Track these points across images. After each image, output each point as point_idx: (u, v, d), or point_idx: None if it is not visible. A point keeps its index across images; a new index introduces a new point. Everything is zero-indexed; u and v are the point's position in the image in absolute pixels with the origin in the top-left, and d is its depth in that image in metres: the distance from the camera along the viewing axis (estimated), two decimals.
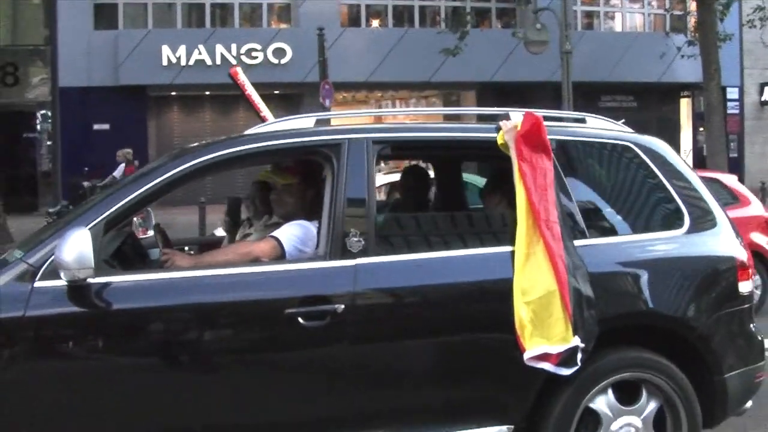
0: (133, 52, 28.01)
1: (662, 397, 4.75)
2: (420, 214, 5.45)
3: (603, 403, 4.66)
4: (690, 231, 4.93)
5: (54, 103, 28.34)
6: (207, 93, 30.04)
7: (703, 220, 5.00)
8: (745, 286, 5.00)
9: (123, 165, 21.36)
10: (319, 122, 4.86)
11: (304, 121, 4.89)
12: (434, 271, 4.55)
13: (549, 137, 4.71)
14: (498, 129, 4.70)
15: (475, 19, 24.17)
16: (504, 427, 4.51)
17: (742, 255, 5.04)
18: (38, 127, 29.95)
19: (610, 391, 4.69)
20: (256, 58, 28.71)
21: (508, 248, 4.53)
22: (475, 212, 5.41)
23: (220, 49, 28.51)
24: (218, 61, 28.41)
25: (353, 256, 4.38)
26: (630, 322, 4.83)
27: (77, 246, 3.93)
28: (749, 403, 5.16)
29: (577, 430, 4.63)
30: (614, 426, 4.66)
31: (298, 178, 5.12)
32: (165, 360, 4.26)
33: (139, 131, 28.80)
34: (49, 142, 29.15)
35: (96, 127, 28.35)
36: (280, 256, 4.67)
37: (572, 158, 4.96)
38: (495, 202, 5.29)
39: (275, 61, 28.80)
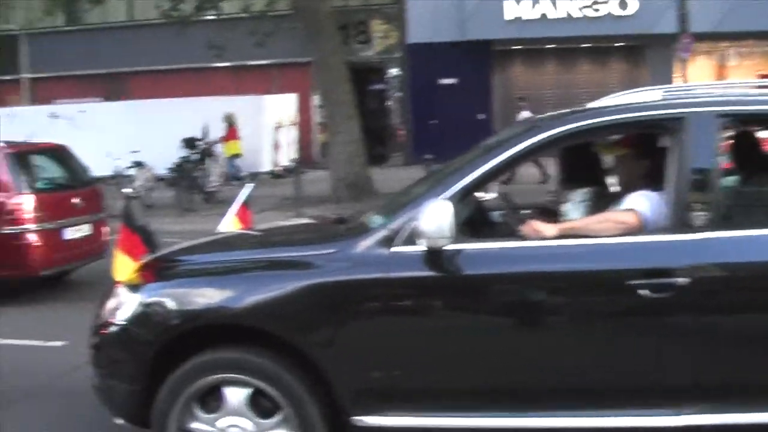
0: (477, 8, 28.39)
1: None
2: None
3: None
4: None
5: (403, 59, 29.80)
6: (549, 46, 30.04)
7: None
8: None
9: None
10: (665, 95, 4.87)
11: (651, 94, 4.92)
12: None
13: None
14: None
15: None
16: None
17: None
18: (386, 82, 31.49)
19: None
20: (598, 10, 28.13)
21: None
22: None
23: (563, 2, 28.27)
24: (561, 14, 28.27)
25: (697, 230, 4.35)
26: None
27: (437, 216, 4.24)
28: None
29: None
30: None
31: (629, 149, 5.06)
32: (511, 322, 4.51)
33: (484, 85, 29.33)
34: (398, 94, 30.63)
35: (442, 81, 29.21)
36: (642, 228, 4.59)
37: None
38: None
39: (619, 12, 28.05)
